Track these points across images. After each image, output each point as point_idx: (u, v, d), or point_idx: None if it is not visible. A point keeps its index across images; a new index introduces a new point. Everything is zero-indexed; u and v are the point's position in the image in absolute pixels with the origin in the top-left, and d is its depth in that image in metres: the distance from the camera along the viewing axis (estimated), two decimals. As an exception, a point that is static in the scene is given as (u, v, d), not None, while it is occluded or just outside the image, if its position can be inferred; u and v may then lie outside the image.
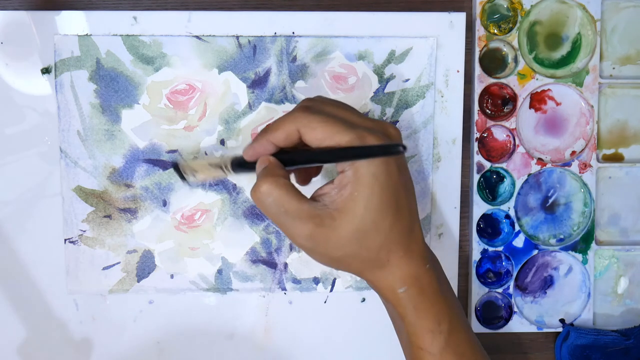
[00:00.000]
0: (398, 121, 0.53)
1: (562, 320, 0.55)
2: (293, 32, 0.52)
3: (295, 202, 0.38)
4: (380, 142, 0.38)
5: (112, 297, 0.53)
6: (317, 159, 0.39)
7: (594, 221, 0.55)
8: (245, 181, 0.53)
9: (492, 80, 0.53)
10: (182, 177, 0.47)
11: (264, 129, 0.41)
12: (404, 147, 0.35)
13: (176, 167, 0.47)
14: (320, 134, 0.38)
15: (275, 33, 0.51)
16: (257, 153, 0.41)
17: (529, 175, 0.54)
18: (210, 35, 0.51)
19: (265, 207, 0.39)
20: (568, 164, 0.54)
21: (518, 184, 0.54)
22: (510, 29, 0.53)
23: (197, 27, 0.51)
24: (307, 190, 0.42)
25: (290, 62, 0.52)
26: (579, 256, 0.55)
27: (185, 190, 0.52)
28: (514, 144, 0.54)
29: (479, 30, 0.53)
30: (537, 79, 0.54)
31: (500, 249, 0.55)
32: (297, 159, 0.40)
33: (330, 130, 0.38)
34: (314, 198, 0.40)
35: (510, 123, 0.54)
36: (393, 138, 0.41)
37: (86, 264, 0.53)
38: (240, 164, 0.43)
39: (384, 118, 0.53)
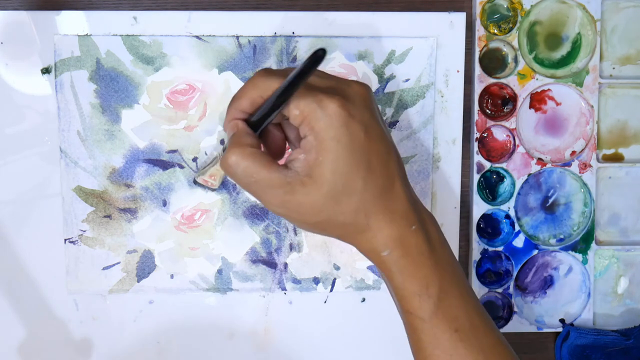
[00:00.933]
0: (398, 121, 0.53)
1: (562, 320, 0.55)
2: (293, 32, 0.52)
3: (264, 171, 0.37)
4: (339, 102, 0.37)
5: (112, 297, 0.53)
6: (273, 104, 0.38)
7: (594, 221, 0.55)
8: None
9: (492, 80, 0.53)
10: (207, 187, 0.52)
11: (231, 99, 0.40)
12: (324, 51, 0.34)
13: (196, 182, 0.52)
14: (275, 85, 0.38)
15: (275, 33, 0.51)
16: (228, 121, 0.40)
17: (529, 175, 0.54)
18: (210, 35, 0.51)
19: (235, 178, 0.38)
20: (568, 164, 0.54)
21: (518, 184, 0.54)
22: (510, 29, 0.53)
23: (197, 27, 0.51)
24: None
25: (290, 62, 0.52)
26: (579, 256, 0.55)
27: (185, 190, 0.52)
28: (514, 144, 0.54)
29: (479, 30, 0.53)
30: (537, 79, 0.54)
31: (500, 249, 0.55)
32: (260, 114, 0.39)
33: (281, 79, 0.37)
34: (286, 164, 0.39)
35: (510, 123, 0.54)
36: (353, 97, 0.39)
37: (86, 264, 0.53)
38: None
39: (384, 118, 0.53)
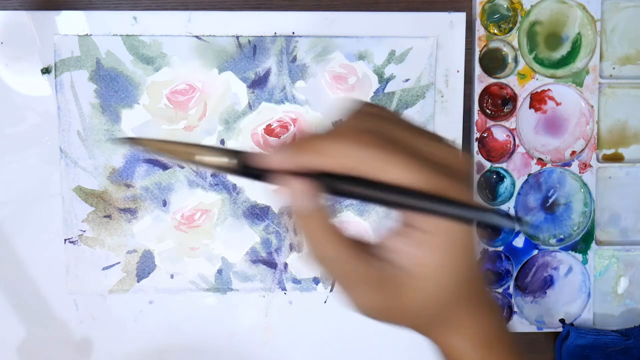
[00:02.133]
0: (398, 121, 0.53)
1: (562, 320, 0.55)
2: (293, 32, 0.52)
3: (353, 262, 0.30)
4: (448, 183, 0.28)
5: (112, 297, 0.53)
6: (379, 199, 0.28)
7: (594, 221, 0.55)
8: (245, 181, 0.53)
9: (492, 80, 0.53)
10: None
11: (304, 142, 0.28)
12: (518, 219, 0.29)
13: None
14: (396, 175, 0.28)
15: (275, 33, 0.51)
16: (286, 168, 0.29)
17: (529, 175, 0.54)
18: (210, 35, 0.51)
19: (323, 269, 0.32)
20: (568, 164, 0.54)
21: (518, 184, 0.54)
22: (510, 29, 0.53)
23: (197, 27, 0.51)
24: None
25: (290, 62, 0.52)
26: (579, 256, 0.55)
27: (185, 190, 0.52)
28: (514, 144, 0.54)
29: (479, 30, 0.53)
30: (537, 79, 0.53)
31: (500, 249, 0.55)
32: (348, 191, 0.29)
33: (408, 169, 0.28)
34: (374, 251, 0.31)
35: (510, 123, 0.54)
36: (459, 176, 0.29)
37: (86, 264, 0.53)
38: (246, 168, 0.29)
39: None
